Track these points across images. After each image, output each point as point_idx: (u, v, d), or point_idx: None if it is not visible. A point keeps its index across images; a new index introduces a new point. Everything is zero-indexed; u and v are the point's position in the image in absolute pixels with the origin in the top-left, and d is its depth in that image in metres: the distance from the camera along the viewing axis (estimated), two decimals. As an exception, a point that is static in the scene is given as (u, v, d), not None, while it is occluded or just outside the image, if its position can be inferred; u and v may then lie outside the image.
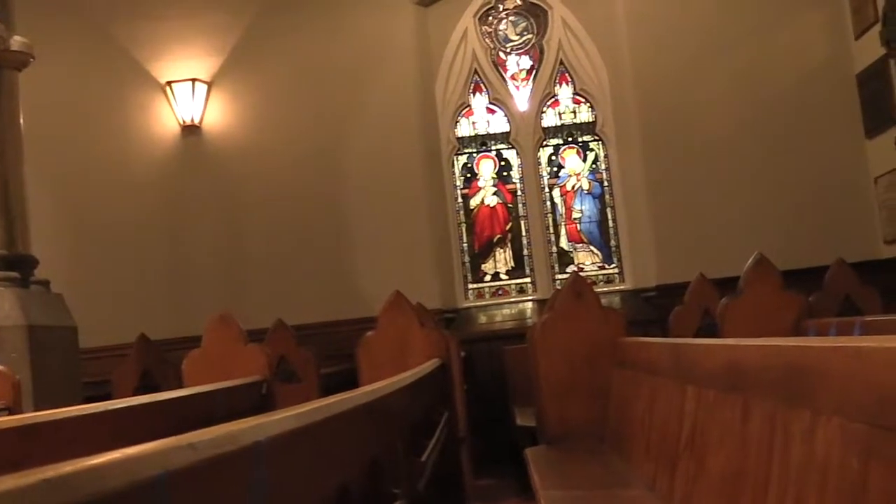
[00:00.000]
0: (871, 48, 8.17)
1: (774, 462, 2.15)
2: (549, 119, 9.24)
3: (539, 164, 9.18)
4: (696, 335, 6.84)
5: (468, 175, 9.22)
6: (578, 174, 9.17)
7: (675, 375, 3.44)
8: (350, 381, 5.48)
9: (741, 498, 2.36)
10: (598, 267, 9.11)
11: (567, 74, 9.22)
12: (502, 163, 9.22)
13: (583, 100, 9.21)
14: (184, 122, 8.71)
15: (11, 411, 4.56)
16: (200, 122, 8.76)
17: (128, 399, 3.91)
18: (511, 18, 9.32)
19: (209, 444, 1.21)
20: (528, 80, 9.27)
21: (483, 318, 8.92)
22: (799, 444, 1.98)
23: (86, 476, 0.71)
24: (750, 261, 5.72)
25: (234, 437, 1.33)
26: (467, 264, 9.11)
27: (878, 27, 8.02)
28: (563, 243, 9.13)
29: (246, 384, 5.26)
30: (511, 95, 9.23)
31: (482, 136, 9.26)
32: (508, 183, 9.19)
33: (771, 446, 2.18)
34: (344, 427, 2.15)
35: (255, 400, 5.25)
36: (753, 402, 2.38)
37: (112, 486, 0.75)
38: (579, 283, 5.39)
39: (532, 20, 9.30)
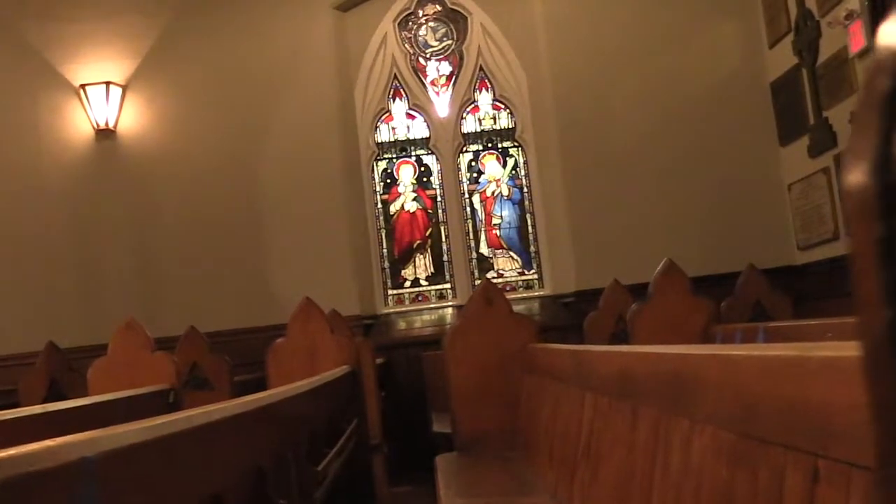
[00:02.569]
0: (784, 57, 8.29)
1: (657, 470, 2.15)
2: (469, 125, 9.24)
3: (459, 169, 9.17)
4: (611, 341, 6.88)
5: (388, 181, 9.19)
6: (498, 180, 9.19)
7: (576, 382, 3.44)
8: (263, 388, 5.41)
9: (629, 505, 2.37)
10: (518, 273, 9.12)
11: (487, 80, 9.24)
12: (422, 168, 9.20)
13: (502, 106, 9.23)
14: (98, 125, 8.56)
15: None
16: (115, 126, 8.61)
17: (18, 409, 3.81)
18: (431, 24, 9.31)
19: (23, 460, 1.16)
20: (447, 85, 9.27)
21: (402, 325, 8.88)
22: (678, 452, 1.99)
23: None
24: (659, 267, 5.77)
25: (53, 454, 1.28)
26: (387, 270, 9.07)
27: (791, 36, 8.15)
28: (483, 249, 9.13)
29: (150, 392, 5.17)
30: (431, 101, 9.22)
31: (402, 141, 9.23)
32: (428, 189, 9.17)
33: (654, 454, 2.18)
34: (216, 437, 2.10)
35: (160, 408, 5.16)
36: (641, 409, 2.38)
37: None
38: (490, 290, 5.38)
39: (452, 26, 9.30)
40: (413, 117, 9.24)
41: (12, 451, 1.13)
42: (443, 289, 9.07)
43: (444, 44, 9.31)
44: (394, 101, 9.24)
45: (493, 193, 9.18)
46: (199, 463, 1.98)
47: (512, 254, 9.15)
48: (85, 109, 8.59)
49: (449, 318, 8.74)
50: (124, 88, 8.67)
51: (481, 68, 9.23)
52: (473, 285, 8.89)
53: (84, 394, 5.67)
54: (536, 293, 9.01)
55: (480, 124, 9.24)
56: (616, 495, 2.56)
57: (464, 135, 9.22)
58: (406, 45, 9.26)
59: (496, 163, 9.20)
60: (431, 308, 8.99)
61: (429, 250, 9.11)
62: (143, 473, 1.59)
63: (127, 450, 1.49)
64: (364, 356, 6.21)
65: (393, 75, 9.22)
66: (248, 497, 2.69)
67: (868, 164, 0.35)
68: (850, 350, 1.12)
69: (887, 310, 0.35)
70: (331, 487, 4.23)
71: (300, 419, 3.51)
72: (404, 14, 9.27)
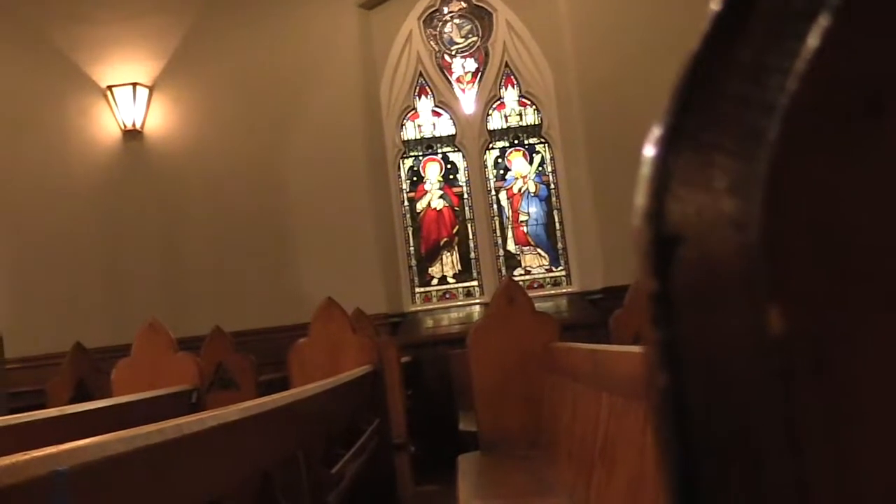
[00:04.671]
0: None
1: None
2: (495, 122, 9.21)
3: (485, 166, 9.14)
4: (635, 340, 6.81)
5: (414, 178, 9.18)
6: (525, 177, 9.15)
7: (594, 382, 3.42)
8: (287, 387, 5.42)
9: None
10: (546, 270, 9.08)
11: (512, 77, 9.20)
12: (448, 166, 9.18)
13: (528, 102, 9.19)
14: (125, 126, 8.61)
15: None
16: (142, 126, 8.66)
17: (36, 413, 3.83)
18: (456, 21, 9.28)
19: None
20: (473, 82, 9.24)
21: (430, 323, 8.87)
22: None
23: None
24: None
25: (21, 469, 1.27)
26: (414, 268, 9.06)
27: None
28: (511, 246, 9.10)
29: (172, 393, 5.19)
30: (457, 98, 9.19)
31: (428, 139, 9.22)
32: (455, 186, 9.15)
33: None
34: (211, 444, 2.09)
35: (182, 409, 5.18)
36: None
37: None
38: (512, 288, 5.36)
39: (477, 23, 9.27)
40: (439, 114, 9.23)
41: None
42: (470, 286, 9.05)
43: (469, 40, 9.28)
44: (419, 98, 9.22)
45: (519, 190, 9.14)
46: (192, 471, 1.96)
47: (539, 251, 9.11)
48: (112, 111, 8.65)
49: (476, 316, 8.72)
50: (151, 89, 8.71)
51: (507, 65, 9.19)
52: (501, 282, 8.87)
53: (111, 394, 5.71)
54: (564, 290, 8.96)
55: (506, 121, 9.21)
56: (629, 498, 2.54)
57: (490, 132, 9.19)
58: (431, 43, 9.24)
59: (523, 159, 9.17)
60: (459, 306, 8.98)
61: (456, 248, 9.09)
62: (123, 484, 1.58)
63: (104, 461, 1.47)
64: (388, 355, 6.21)
65: (418, 73, 9.20)
66: (252, 502, 2.68)
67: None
68: None
69: (662, 374, 0.33)
70: (351, 488, 4.23)
71: (313, 421, 3.50)
72: (429, 11, 9.25)
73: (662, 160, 0.34)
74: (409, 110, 9.21)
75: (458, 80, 9.25)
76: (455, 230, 9.11)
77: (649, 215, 0.34)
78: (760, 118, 0.30)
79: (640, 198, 0.35)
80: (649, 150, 0.36)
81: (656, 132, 0.34)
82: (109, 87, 8.64)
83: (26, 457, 1.29)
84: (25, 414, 3.56)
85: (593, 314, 8.38)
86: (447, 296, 9.06)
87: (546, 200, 9.13)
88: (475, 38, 9.28)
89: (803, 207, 0.29)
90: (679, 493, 0.33)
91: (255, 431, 2.50)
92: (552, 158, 9.13)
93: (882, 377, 0.29)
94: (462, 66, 9.27)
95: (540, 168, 9.16)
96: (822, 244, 0.29)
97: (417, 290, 9.06)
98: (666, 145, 0.34)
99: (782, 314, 0.29)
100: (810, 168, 0.29)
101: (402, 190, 9.13)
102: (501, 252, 9.09)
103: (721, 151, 0.32)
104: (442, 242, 9.11)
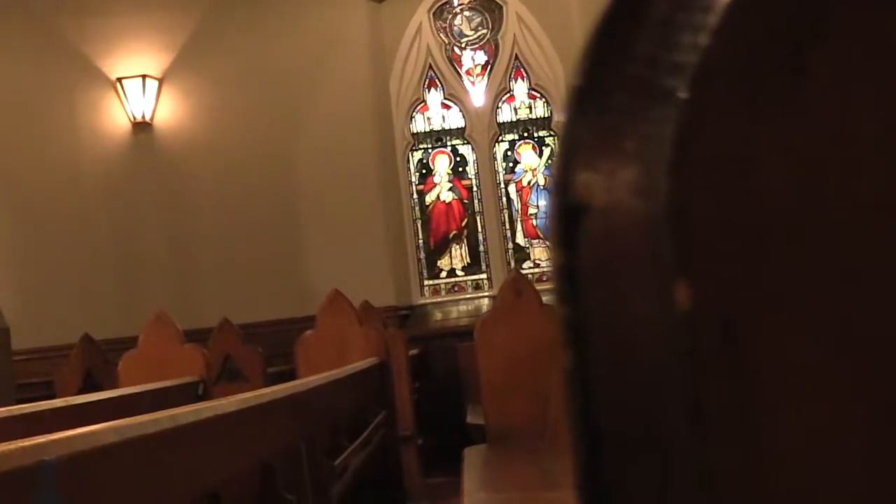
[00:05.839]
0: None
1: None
2: (505, 114, 9.18)
3: (495, 159, 9.12)
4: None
5: (423, 171, 9.16)
6: (534, 170, 9.12)
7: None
8: (295, 379, 5.42)
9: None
10: (555, 263, 9.05)
11: (522, 70, 9.16)
12: (458, 158, 9.15)
13: (538, 95, 9.16)
14: (134, 118, 8.61)
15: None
16: (151, 119, 8.66)
17: (41, 403, 3.83)
18: (466, 14, 9.25)
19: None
20: (483, 75, 9.21)
21: (439, 315, 8.86)
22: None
23: None
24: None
25: (6, 458, 1.26)
26: (423, 261, 9.05)
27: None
28: (520, 239, 9.08)
29: (179, 385, 5.19)
30: (466, 91, 9.17)
31: (437, 131, 9.19)
32: (464, 179, 9.13)
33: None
34: (208, 435, 2.08)
35: (188, 401, 5.17)
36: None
37: None
38: (519, 281, 5.34)
39: (487, 15, 9.24)
40: (448, 107, 9.20)
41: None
42: (479, 279, 9.03)
43: (479, 33, 9.25)
44: (429, 91, 9.20)
45: (529, 183, 9.11)
46: (188, 462, 1.95)
47: (549, 243, 9.08)
48: (122, 103, 8.65)
49: (485, 309, 8.70)
50: (160, 81, 8.71)
51: (517, 57, 9.16)
52: (510, 276, 8.87)
53: (119, 386, 5.71)
54: (573, 283, 8.93)
55: (516, 114, 9.18)
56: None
57: (499, 124, 9.16)
58: (441, 35, 9.21)
59: (532, 152, 9.14)
60: (468, 298, 8.96)
61: (465, 240, 9.07)
62: (115, 475, 1.57)
63: (95, 452, 1.46)
64: (395, 347, 6.19)
65: (428, 65, 9.18)
66: (253, 494, 2.67)
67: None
68: None
69: (567, 353, 0.31)
70: (357, 480, 4.22)
71: (317, 413, 3.49)
72: (439, 4, 9.22)
73: (571, 126, 0.32)
74: (419, 103, 9.19)
75: (467, 72, 9.22)
76: (464, 223, 9.09)
77: (556, 184, 0.32)
78: (670, 78, 0.28)
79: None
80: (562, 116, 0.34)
81: (567, 96, 0.32)
82: (119, 80, 8.64)
83: (12, 446, 1.28)
84: (29, 405, 3.56)
85: (603, 307, 8.35)
86: (456, 288, 9.04)
87: (556, 193, 9.10)
88: (485, 31, 9.25)
89: (714, 174, 0.27)
90: (584, 480, 0.31)
91: (255, 423, 2.49)
92: (562, 151, 9.09)
93: (794, 357, 0.27)
94: (472, 58, 9.24)
95: (549, 161, 9.13)
96: (734, 214, 0.27)
97: (426, 282, 9.04)
98: (574, 110, 0.32)
99: (689, 289, 0.27)
100: (722, 132, 0.27)
101: (411, 182, 9.11)
102: (510, 245, 9.06)
103: (629, 115, 0.30)
104: (451, 235, 9.09)
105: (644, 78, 0.29)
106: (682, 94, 0.27)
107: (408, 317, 8.69)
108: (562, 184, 0.31)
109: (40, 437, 1.38)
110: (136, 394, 4.44)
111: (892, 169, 0.27)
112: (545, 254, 9.07)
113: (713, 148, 0.27)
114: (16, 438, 1.33)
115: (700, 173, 0.27)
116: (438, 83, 9.21)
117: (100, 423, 1.58)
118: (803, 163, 0.27)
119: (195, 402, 5.21)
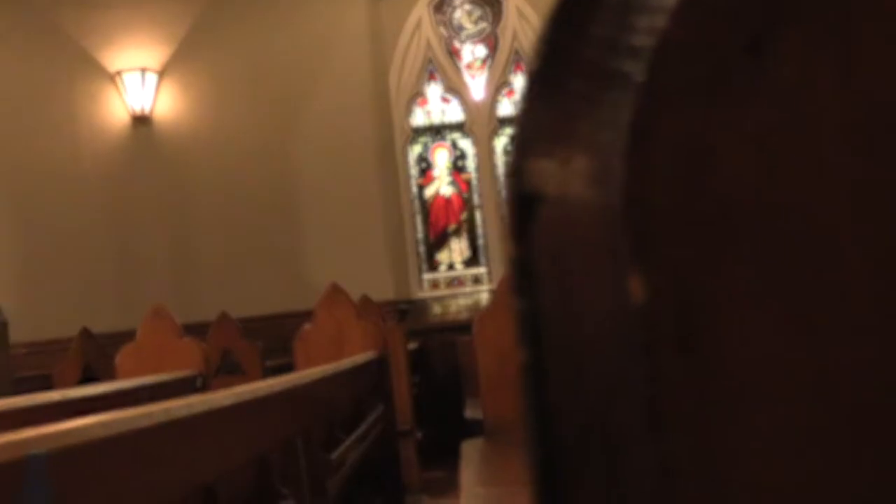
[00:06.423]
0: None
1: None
2: (505, 108, 9.16)
3: (494, 153, 9.10)
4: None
5: (423, 165, 9.14)
6: (534, 164, 9.10)
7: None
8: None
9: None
10: (555, 257, 9.04)
11: (522, 63, 9.14)
12: (457, 152, 9.14)
13: (538, 88, 9.13)
14: (134, 112, 8.60)
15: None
16: (151, 112, 8.65)
17: (35, 395, 3.82)
18: (466, 7, 9.23)
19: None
20: (483, 68, 9.19)
21: (438, 309, 8.86)
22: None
23: None
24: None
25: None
26: (422, 255, 9.04)
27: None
28: (520, 233, 9.07)
29: (176, 379, 5.18)
30: (466, 84, 9.15)
31: (437, 125, 9.18)
32: (464, 173, 9.11)
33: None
34: (202, 428, 2.07)
35: (186, 394, 5.16)
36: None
37: None
38: (517, 275, 5.33)
39: (487, 9, 9.22)
40: (448, 101, 9.18)
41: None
42: (478, 273, 9.03)
43: (479, 27, 9.23)
44: (428, 84, 9.18)
45: (529, 177, 9.10)
46: (181, 456, 1.94)
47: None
48: (121, 96, 8.63)
49: (485, 303, 8.70)
50: (160, 74, 8.69)
51: (517, 51, 9.14)
52: (509, 270, 8.85)
53: (117, 380, 5.70)
54: (573, 277, 8.92)
55: (516, 107, 9.15)
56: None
57: (499, 118, 9.14)
58: (441, 29, 9.19)
59: (532, 146, 9.12)
60: (467, 293, 8.95)
61: (464, 234, 9.06)
62: (106, 470, 1.56)
63: (85, 446, 1.45)
64: (394, 341, 6.19)
65: (428, 59, 9.16)
66: (249, 487, 2.66)
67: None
68: None
69: (523, 349, 0.30)
70: (355, 474, 4.21)
71: (313, 407, 3.48)
72: (439, -3, 9.21)
73: (526, 112, 0.31)
74: (419, 96, 9.17)
75: (467, 66, 9.21)
76: (464, 217, 9.08)
77: (511, 172, 0.31)
78: (627, 62, 0.27)
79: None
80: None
81: (524, 82, 0.31)
82: (118, 73, 8.62)
83: (1, 440, 1.27)
84: (24, 397, 3.55)
85: (602, 301, 8.35)
86: (455, 282, 9.03)
87: (555, 187, 9.09)
88: (485, 24, 9.23)
89: (671, 160, 0.26)
90: (540, 481, 0.30)
91: (249, 417, 2.48)
92: (562, 145, 9.08)
93: (754, 353, 0.26)
94: (472, 52, 9.22)
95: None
96: (692, 202, 0.26)
97: (426, 276, 9.03)
98: (530, 96, 0.31)
99: (645, 281, 0.26)
100: (680, 116, 0.26)
101: (410, 176, 9.10)
102: (510, 239, 9.05)
103: (585, 100, 0.28)
104: (450, 229, 9.08)
105: (601, 62, 0.28)
106: (639, 78, 0.26)
107: (407, 311, 8.68)
108: (516, 172, 0.30)
109: (30, 430, 1.38)
110: (133, 387, 4.42)
111: (858, 157, 0.26)
112: (545, 248, 9.06)
113: (670, 134, 0.26)
114: (9, 432, 1.33)
115: (657, 161, 0.26)
116: (438, 76, 9.19)
117: (101, 416, 1.57)
118: (765, 150, 0.26)
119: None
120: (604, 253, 0.27)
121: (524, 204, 0.30)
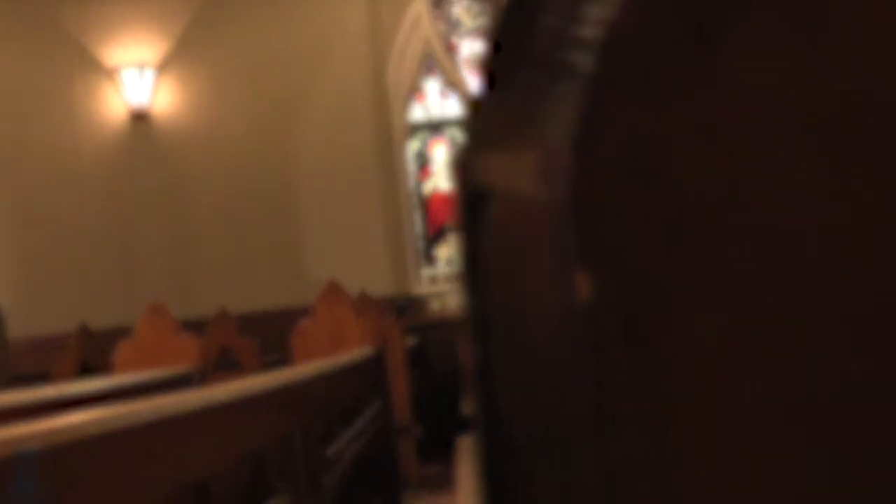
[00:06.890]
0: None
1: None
2: (504, 103, 9.14)
3: (493, 148, 9.09)
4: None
5: (421, 160, 9.13)
6: (533, 159, 9.10)
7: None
8: (291, 370, 5.41)
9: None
10: (554, 252, 9.04)
11: (521, 58, 9.13)
12: (456, 148, 9.13)
13: (537, 84, 9.12)
14: (132, 108, 8.59)
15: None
16: (149, 108, 8.64)
17: (31, 392, 3.82)
18: (464, 2, 9.21)
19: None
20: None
21: (437, 305, 8.84)
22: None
23: None
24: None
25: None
26: (421, 250, 9.03)
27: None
28: (518, 229, 9.06)
29: (173, 375, 5.17)
30: (464, 79, 9.13)
31: (436, 121, 9.16)
32: (463, 168, 9.10)
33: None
34: (194, 425, 2.06)
35: (183, 391, 5.15)
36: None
37: None
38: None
39: (485, 4, 9.19)
40: (447, 96, 9.16)
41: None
42: (477, 269, 9.02)
43: (477, 22, 9.21)
44: (427, 79, 9.16)
45: (527, 172, 9.09)
46: (174, 453, 1.94)
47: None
48: (119, 92, 8.63)
49: (483, 299, 8.69)
50: (158, 70, 8.68)
51: (515, 46, 9.12)
52: (508, 265, 8.85)
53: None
54: (572, 273, 8.91)
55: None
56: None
57: (498, 114, 9.12)
58: (440, 24, 9.17)
59: (531, 141, 9.11)
60: (466, 288, 8.94)
61: (463, 230, 9.05)
62: (97, 467, 1.55)
63: (76, 443, 1.44)
64: (392, 338, 6.19)
65: (426, 54, 9.14)
66: (244, 483, 2.66)
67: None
68: None
69: (473, 348, 0.29)
70: (352, 470, 4.21)
71: (310, 403, 3.48)
72: (437, -8, 9.18)
73: (476, 106, 0.31)
74: (417, 92, 9.15)
75: (466, 61, 9.18)
76: (463, 212, 9.06)
77: (460, 166, 0.30)
78: (575, 54, 0.26)
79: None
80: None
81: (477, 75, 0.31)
82: (116, 68, 8.61)
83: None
84: (20, 393, 3.55)
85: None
86: (454, 278, 9.02)
87: (554, 183, 9.07)
88: (483, 20, 9.20)
89: (619, 154, 0.25)
90: (488, 481, 0.29)
91: (245, 413, 2.48)
92: (561, 140, 9.06)
93: (705, 353, 0.25)
94: (470, 47, 9.20)
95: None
96: (642, 197, 0.25)
97: (424, 272, 9.02)
98: (480, 89, 0.30)
99: (591, 279, 0.25)
100: (629, 108, 0.25)
101: (408, 172, 9.08)
102: (509, 234, 9.04)
103: (534, 93, 0.28)
104: (449, 225, 9.07)
105: (550, 54, 0.27)
106: (588, 70, 0.25)
107: (406, 307, 8.67)
108: (465, 167, 0.29)
109: (21, 427, 1.37)
110: (129, 384, 4.42)
111: (815, 149, 0.25)
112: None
113: (620, 128, 0.25)
114: (6, 428, 1.32)
115: (605, 155, 0.25)
116: (437, 71, 9.17)
117: (92, 413, 1.56)
118: (717, 143, 0.25)
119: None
120: (550, 249, 0.26)
121: (474, 200, 0.29)
